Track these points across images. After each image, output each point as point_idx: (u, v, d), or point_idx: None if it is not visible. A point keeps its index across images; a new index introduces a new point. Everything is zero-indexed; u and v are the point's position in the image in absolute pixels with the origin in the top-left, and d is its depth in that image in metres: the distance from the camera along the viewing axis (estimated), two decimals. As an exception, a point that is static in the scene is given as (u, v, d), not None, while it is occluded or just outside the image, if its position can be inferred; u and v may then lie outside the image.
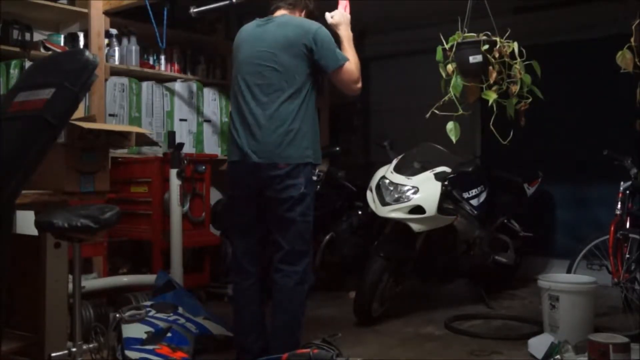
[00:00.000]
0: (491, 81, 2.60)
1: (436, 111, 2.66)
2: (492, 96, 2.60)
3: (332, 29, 3.06)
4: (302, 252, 2.92)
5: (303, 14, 3.07)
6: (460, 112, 2.62)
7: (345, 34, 3.07)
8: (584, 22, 5.17)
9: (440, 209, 3.90)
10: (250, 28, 3.06)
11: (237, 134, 2.94)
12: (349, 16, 3.11)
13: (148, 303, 3.41)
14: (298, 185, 2.84)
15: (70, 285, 2.64)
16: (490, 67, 2.60)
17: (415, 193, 3.90)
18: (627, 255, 3.72)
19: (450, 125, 2.65)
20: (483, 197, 4.40)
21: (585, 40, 5.20)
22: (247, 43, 3.01)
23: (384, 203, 3.94)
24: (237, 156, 2.94)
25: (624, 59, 2.41)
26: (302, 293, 2.92)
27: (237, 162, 2.94)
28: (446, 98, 2.65)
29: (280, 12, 3.04)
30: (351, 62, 2.93)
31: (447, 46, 2.69)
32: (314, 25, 2.93)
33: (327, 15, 3.12)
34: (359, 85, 2.98)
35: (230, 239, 3.75)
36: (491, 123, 2.55)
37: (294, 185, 2.84)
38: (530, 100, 2.66)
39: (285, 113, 2.85)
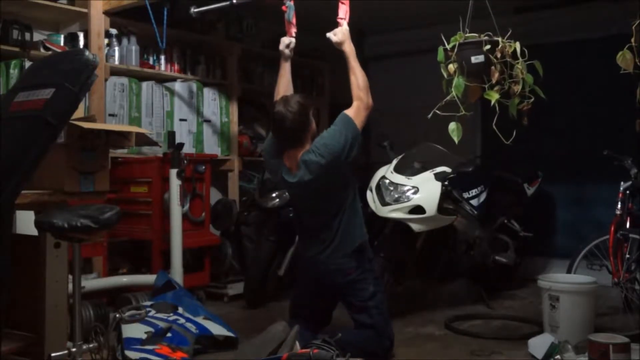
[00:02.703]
0: (493, 81, 2.59)
1: (438, 111, 2.65)
2: (494, 96, 2.59)
3: (336, 47, 3.18)
4: None
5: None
6: (463, 112, 2.61)
7: (349, 50, 3.17)
8: (584, 22, 5.17)
9: (440, 209, 3.90)
10: None
11: None
12: (347, 29, 3.18)
13: (148, 303, 3.41)
14: None
15: (70, 285, 2.65)
16: (492, 67, 2.60)
17: (415, 193, 3.90)
18: (627, 255, 3.72)
19: (452, 125, 2.65)
20: (483, 197, 4.40)
21: (585, 40, 5.21)
22: None
23: (384, 203, 3.94)
24: None
25: (624, 59, 2.41)
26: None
27: None
28: (448, 98, 2.65)
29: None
30: (360, 87, 3.09)
31: (448, 46, 2.69)
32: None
33: (330, 34, 3.17)
34: (371, 101, 3.15)
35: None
36: (494, 123, 2.55)
37: None
38: (532, 100, 2.66)
39: None
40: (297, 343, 2.92)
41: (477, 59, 2.60)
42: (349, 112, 3.12)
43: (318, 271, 3.20)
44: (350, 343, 2.99)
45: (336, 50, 3.23)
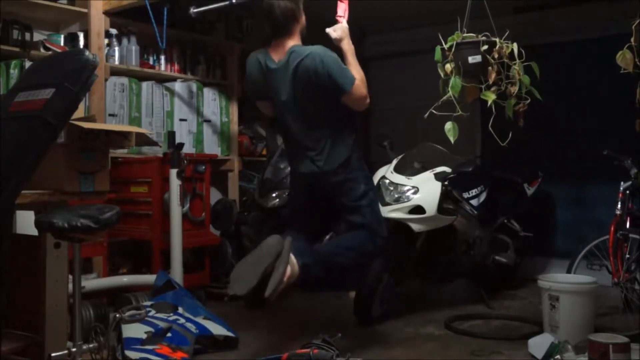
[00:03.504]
0: (490, 82, 2.60)
1: (434, 111, 2.66)
2: (490, 97, 2.60)
3: (335, 44, 3.14)
4: None
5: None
6: (459, 112, 2.62)
7: (348, 47, 3.15)
8: (584, 22, 5.17)
9: (441, 209, 3.90)
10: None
11: None
12: (347, 26, 3.17)
13: (148, 303, 3.41)
14: None
15: (70, 285, 2.65)
16: (490, 68, 2.60)
17: (415, 193, 3.90)
18: (627, 255, 3.72)
19: (448, 125, 2.65)
20: (483, 197, 4.40)
21: (585, 40, 5.21)
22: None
23: (384, 203, 3.93)
24: None
25: (624, 59, 2.41)
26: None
27: None
28: (444, 98, 2.65)
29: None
30: (358, 80, 3.03)
31: (446, 46, 2.69)
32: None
33: (329, 30, 3.16)
34: (368, 98, 3.09)
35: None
36: (490, 124, 2.55)
37: None
38: (529, 101, 2.66)
39: None
40: (292, 256, 2.87)
41: (474, 59, 2.60)
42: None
43: (309, 180, 3.19)
44: (344, 247, 3.02)
45: (335, 47, 3.21)
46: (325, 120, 3.12)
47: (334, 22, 3.24)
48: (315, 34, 3.19)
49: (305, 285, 3.16)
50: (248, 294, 2.82)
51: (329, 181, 3.13)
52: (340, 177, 3.11)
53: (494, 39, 2.63)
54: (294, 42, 3.10)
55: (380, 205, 3.93)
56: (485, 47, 2.60)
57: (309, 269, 2.94)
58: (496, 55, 2.60)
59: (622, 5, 3.42)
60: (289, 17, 3.07)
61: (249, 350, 3.36)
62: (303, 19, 3.16)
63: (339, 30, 3.16)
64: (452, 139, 2.65)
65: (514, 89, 2.62)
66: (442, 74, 2.70)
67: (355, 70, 3.09)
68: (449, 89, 2.63)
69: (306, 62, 2.99)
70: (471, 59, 2.61)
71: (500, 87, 2.62)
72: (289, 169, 4.35)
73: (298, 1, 3.12)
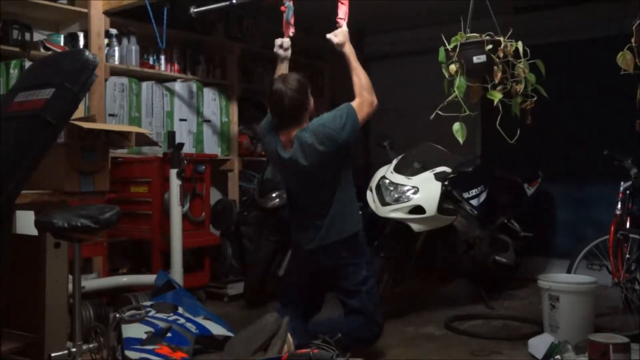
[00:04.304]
0: (496, 81, 2.59)
1: (440, 112, 2.65)
2: (497, 96, 2.59)
3: (337, 49, 3.17)
4: None
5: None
6: (467, 112, 2.61)
7: (350, 51, 3.17)
8: (584, 22, 5.17)
9: (441, 209, 3.90)
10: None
11: None
12: (347, 30, 3.18)
13: (148, 303, 3.41)
14: None
15: (70, 285, 2.65)
16: (495, 67, 2.59)
17: (415, 193, 3.90)
18: (627, 255, 3.72)
19: (456, 126, 2.64)
20: (483, 197, 4.40)
21: (585, 40, 5.21)
22: None
23: (384, 203, 3.94)
24: None
25: (624, 59, 2.41)
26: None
27: None
28: (450, 98, 2.64)
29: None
30: (364, 87, 3.07)
31: (449, 47, 2.68)
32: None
33: (330, 35, 3.17)
34: (376, 100, 3.12)
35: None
36: (497, 123, 2.54)
37: None
38: (535, 99, 2.66)
39: None
40: (289, 335, 2.90)
41: (479, 58, 2.59)
42: (353, 103, 3.10)
43: (311, 256, 3.18)
44: (340, 330, 3.00)
45: (336, 51, 3.23)
46: (332, 185, 3.12)
47: (334, 22, 3.24)
48: (316, 34, 3.20)
49: None
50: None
51: (331, 262, 3.14)
52: (344, 261, 3.13)
53: (498, 38, 2.63)
54: (301, 127, 3.09)
55: (380, 206, 3.95)
56: (490, 46, 2.59)
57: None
58: (501, 54, 2.59)
59: (622, 6, 3.42)
60: (297, 107, 3.06)
61: (249, 350, 3.36)
62: (312, 103, 3.17)
63: (339, 35, 3.17)
64: (460, 140, 2.63)
65: (520, 88, 2.61)
66: (446, 75, 2.69)
67: (359, 74, 3.11)
68: (454, 89, 2.62)
69: (314, 141, 3.01)
70: (476, 59, 2.60)
71: (506, 86, 2.61)
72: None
73: (306, 89, 3.12)
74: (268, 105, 3.19)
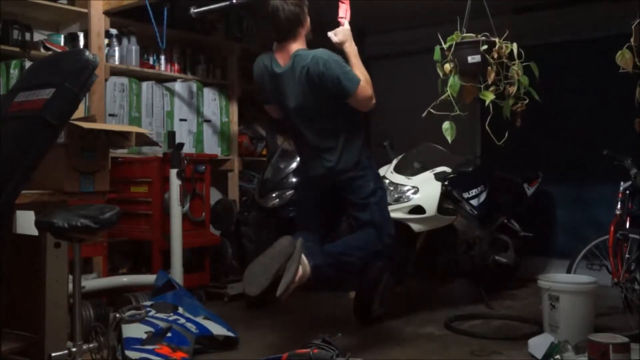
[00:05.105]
0: (489, 82, 2.60)
1: (432, 110, 2.65)
2: (489, 97, 2.60)
3: (338, 48, 3.14)
4: None
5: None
6: (457, 112, 2.62)
7: (351, 49, 3.15)
8: (584, 22, 5.17)
9: (441, 209, 3.90)
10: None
11: None
12: (348, 28, 3.17)
13: (148, 303, 3.41)
14: None
15: (70, 285, 2.65)
16: (489, 68, 2.60)
17: (415, 193, 3.90)
18: (627, 255, 3.73)
19: (446, 125, 2.65)
20: (483, 197, 4.40)
21: (585, 40, 5.21)
22: None
23: (384, 203, 3.93)
24: None
25: (623, 58, 2.41)
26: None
27: None
28: (443, 97, 2.65)
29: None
30: (363, 81, 3.02)
31: (445, 46, 2.69)
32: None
33: (331, 34, 3.16)
34: (374, 98, 3.09)
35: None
36: (487, 124, 2.55)
37: None
38: (527, 101, 2.66)
39: None
40: (304, 256, 2.89)
41: (473, 59, 2.60)
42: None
43: (320, 181, 3.22)
44: (355, 246, 3.05)
45: (338, 50, 3.22)
46: (334, 123, 3.13)
47: (334, 22, 3.24)
48: (317, 35, 3.19)
49: (316, 284, 3.18)
50: (261, 295, 2.85)
51: (339, 179, 3.16)
52: (350, 174, 3.14)
53: (493, 39, 2.63)
54: (299, 45, 3.10)
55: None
56: (485, 47, 2.60)
57: (320, 269, 2.97)
58: (495, 55, 2.60)
59: (622, 5, 3.42)
60: (293, 21, 3.07)
61: (249, 350, 3.36)
62: (308, 22, 3.16)
63: (340, 33, 3.16)
64: (449, 139, 2.65)
65: (513, 89, 2.62)
66: (441, 74, 2.70)
67: (360, 71, 3.09)
68: (447, 88, 2.63)
69: (310, 67, 2.99)
70: (470, 59, 2.61)
71: (499, 87, 2.62)
72: (289, 169, 4.36)
73: (303, 5, 3.12)
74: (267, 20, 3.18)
